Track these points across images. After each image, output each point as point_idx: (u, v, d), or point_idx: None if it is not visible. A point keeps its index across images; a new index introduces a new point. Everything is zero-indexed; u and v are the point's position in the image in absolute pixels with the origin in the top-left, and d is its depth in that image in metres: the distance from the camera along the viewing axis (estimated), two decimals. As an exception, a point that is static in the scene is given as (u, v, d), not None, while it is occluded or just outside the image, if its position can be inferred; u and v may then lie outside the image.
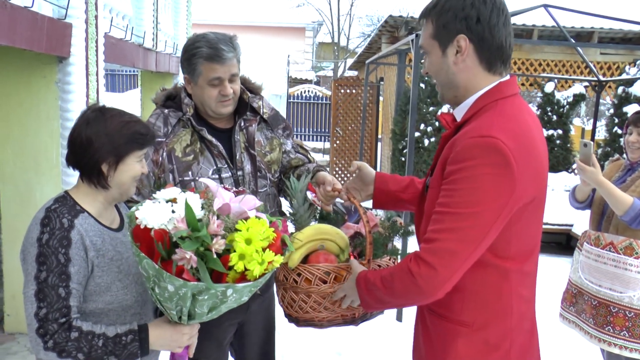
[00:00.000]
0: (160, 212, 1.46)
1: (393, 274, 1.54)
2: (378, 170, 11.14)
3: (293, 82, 20.47)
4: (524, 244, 1.56)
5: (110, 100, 13.01)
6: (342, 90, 10.89)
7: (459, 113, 1.60)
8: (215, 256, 1.44)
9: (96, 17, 4.15)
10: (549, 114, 8.16)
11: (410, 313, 4.65)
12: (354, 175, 2.05)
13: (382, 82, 11.08)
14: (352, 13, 24.31)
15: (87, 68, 4.05)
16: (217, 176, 2.14)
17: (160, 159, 2.12)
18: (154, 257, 1.46)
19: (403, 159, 7.88)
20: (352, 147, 11.04)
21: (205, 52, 2.06)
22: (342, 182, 10.08)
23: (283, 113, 11.94)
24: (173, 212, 1.47)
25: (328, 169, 11.53)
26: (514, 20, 7.22)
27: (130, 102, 11.03)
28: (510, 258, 1.53)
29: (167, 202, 1.52)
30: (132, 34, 5.36)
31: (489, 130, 1.44)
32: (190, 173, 2.13)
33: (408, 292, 1.50)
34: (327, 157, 14.41)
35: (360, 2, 26.82)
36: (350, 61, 16.90)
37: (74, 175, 3.91)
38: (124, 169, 1.68)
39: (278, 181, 2.36)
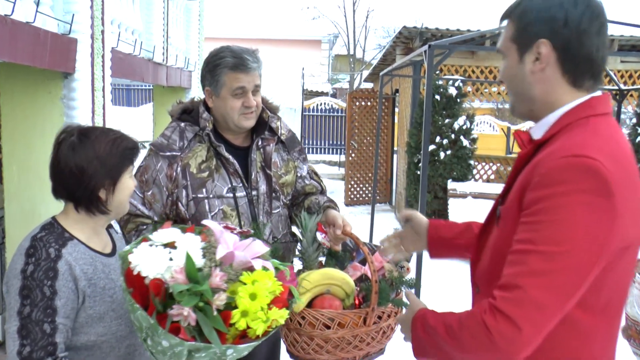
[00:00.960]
0: (156, 259, 1.35)
1: (462, 324, 1.27)
2: (394, 184, 10.99)
3: (309, 94, 20.43)
4: (616, 294, 1.27)
5: (117, 114, 13.08)
6: (357, 103, 10.79)
7: (538, 131, 1.35)
8: (215, 313, 1.32)
9: (102, 32, 4.09)
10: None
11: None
12: (404, 225, 1.88)
13: (397, 94, 10.96)
14: (368, 25, 24.27)
15: (93, 83, 3.99)
16: (231, 195, 2.09)
17: (174, 173, 2.07)
18: (149, 310, 1.34)
19: (419, 172, 7.72)
20: (367, 160, 10.91)
21: (230, 61, 2.06)
22: (358, 195, 9.89)
23: (298, 126, 11.86)
24: (171, 259, 1.36)
25: (342, 181, 11.44)
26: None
27: (144, 116, 11.03)
28: (598, 312, 1.24)
29: (164, 246, 1.41)
30: (141, 48, 5.30)
31: (583, 149, 1.18)
32: (204, 190, 2.07)
33: (479, 349, 1.22)
34: (342, 170, 14.29)
35: (376, 13, 26.78)
36: (366, 73, 16.83)
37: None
38: (120, 189, 1.60)
39: (290, 204, 2.32)
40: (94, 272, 1.56)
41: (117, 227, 1.88)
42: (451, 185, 7.42)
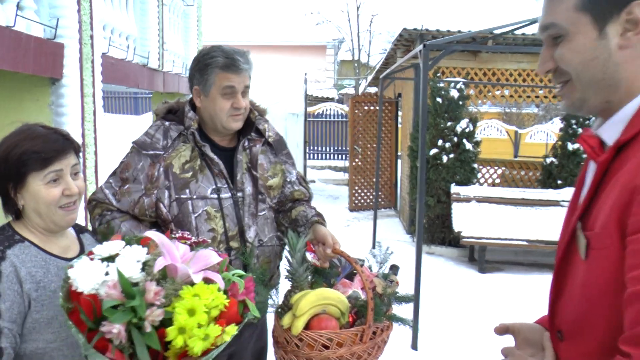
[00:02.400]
0: (92, 274, 1.26)
1: None
2: (399, 188, 10.86)
3: (314, 100, 20.35)
4: None
5: (108, 122, 13.04)
6: (361, 107, 10.69)
7: (612, 130, 1.06)
8: (149, 329, 1.22)
9: (92, 36, 4.02)
10: (574, 126, 7.82)
11: (425, 340, 4.38)
12: (514, 338, 1.40)
13: (400, 98, 10.85)
14: (372, 29, 24.20)
15: (82, 89, 3.91)
16: (216, 196, 2.04)
17: (157, 173, 2.02)
18: (82, 325, 1.25)
19: (421, 176, 7.61)
20: (371, 165, 10.80)
21: (221, 61, 2.04)
22: (362, 201, 9.75)
23: (301, 131, 11.76)
24: (107, 273, 1.27)
25: (347, 187, 11.32)
26: (533, 29, 6.94)
27: (145, 124, 11.00)
28: None
29: (105, 259, 1.32)
30: (134, 53, 5.23)
31: None
32: (187, 191, 2.03)
33: None
34: (347, 176, 14.19)
35: (380, 17, 26.71)
36: (370, 78, 16.76)
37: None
38: (29, 195, 1.49)
39: (277, 209, 2.27)
40: (45, 275, 1.48)
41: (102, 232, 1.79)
42: (454, 189, 7.30)
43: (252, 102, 2.26)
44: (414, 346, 4.27)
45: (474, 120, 7.54)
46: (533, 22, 4.27)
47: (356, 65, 23.96)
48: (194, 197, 2.03)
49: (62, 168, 1.50)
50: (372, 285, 1.99)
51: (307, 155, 14.24)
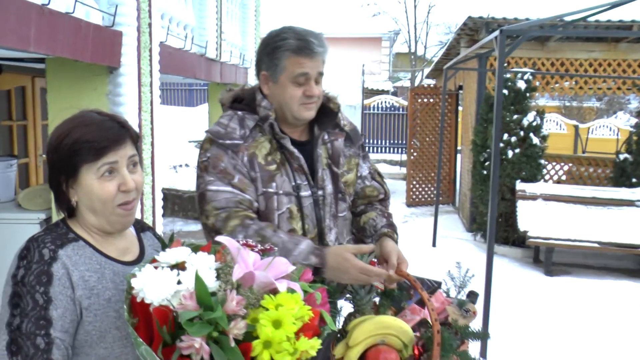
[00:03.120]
0: (162, 283, 1.11)
1: None
2: (458, 184, 10.51)
3: (369, 93, 20.09)
4: None
5: (173, 114, 13.09)
6: (420, 100, 10.38)
7: None
8: (233, 343, 1.07)
9: (150, 25, 3.92)
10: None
11: (494, 348, 4.14)
12: None
13: (461, 91, 10.48)
14: (429, 21, 23.69)
15: (140, 79, 3.82)
16: (295, 194, 1.83)
17: (240, 163, 1.80)
18: (154, 342, 1.10)
19: (485, 172, 7.28)
20: (430, 159, 10.49)
21: (292, 43, 1.80)
22: (420, 196, 9.48)
23: (358, 124, 11.54)
24: (179, 282, 1.12)
25: (403, 181, 11.06)
26: (608, 15, 6.49)
27: (201, 116, 11.02)
28: None
29: (172, 268, 1.17)
30: (192, 43, 5.13)
31: None
32: (274, 185, 1.82)
33: None
34: (403, 170, 13.89)
35: (438, 9, 26.12)
36: (427, 70, 16.37)
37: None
38: (82, 190, 1.32)
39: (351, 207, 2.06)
40: (99, 281, 1.31)
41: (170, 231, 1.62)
42: (520, 186, 6.94)
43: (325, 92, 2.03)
44: (483, 354, 4.01)
45: (541, 113, 7.15)
46: (617, 4, 3.91)
47: (412, 57, 23.50)
48: (280, 192, 1.82)
49: (117, 160, 1.32)
50: (444, 315, 1.75)
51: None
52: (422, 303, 1.78)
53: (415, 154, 10.48)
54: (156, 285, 1.10)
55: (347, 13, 24.75)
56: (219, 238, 1.23)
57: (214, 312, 1.07)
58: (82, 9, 3.11)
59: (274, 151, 1.85)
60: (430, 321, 1.65)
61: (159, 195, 4.17)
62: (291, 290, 1.17)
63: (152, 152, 4.03)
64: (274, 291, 1.16)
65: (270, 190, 1.81)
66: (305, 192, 1.86)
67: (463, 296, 1.83)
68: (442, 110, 7.13)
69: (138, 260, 1.41)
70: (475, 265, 5.00)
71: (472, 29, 8.13)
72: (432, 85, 10.98)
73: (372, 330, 1.61)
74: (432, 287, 1.82)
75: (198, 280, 1.08)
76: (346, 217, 1.99)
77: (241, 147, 1.81)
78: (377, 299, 1.82)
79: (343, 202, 1.96)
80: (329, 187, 1.91)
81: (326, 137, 1.96)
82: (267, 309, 1.11)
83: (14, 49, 2.62)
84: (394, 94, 22.28)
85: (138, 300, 1.11)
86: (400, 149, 16.85)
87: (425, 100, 10.38)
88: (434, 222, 7.45)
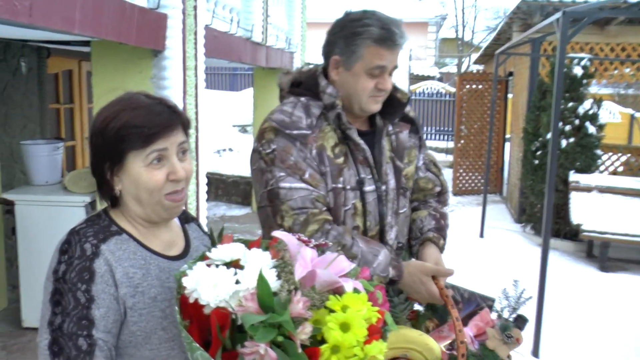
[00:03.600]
0: (219, 283, 1.01)
1: None
2: (506, 173, 10.21)
3: (415, 79, 19.77)
4: None
5: (217, 98, 13.09)
6: (468, 86, 10.09)
7: None
8: (300, 349, 0.98)
9: (195, 7, 3.84)
10: None
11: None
12: None
13: (510, 77, 10.13)
14: (478, 5, 23.08)
15: (185, 62, 3.75)
16: (359, 189, 1.70)
17: (309, 156, 1.65)
18: (212, 347, 1.01)
19: (536, 161, 7.00)
20: (477, 146, 10.21)
21: (375, 32, 1.65)
22: (467, 184, 9.22)
23: (402, 111, 11.32)
24: (237, 282, 1.02)
25: (450, 169, 10.80)
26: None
27: (246, 101, 10.99)
28: None
29: (227, 266, 1.07)
30: (238, 26, 5.05)
31: None
32: (342, 179, 1.68)
33: None
34: (450, 157, 13.61)
35: (487, -7, 25.43)
36: (474, 57, 15.96)
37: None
38: (128, 178, 1.22)
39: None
40: (144, 278, 1.22)
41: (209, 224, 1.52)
42: (573, 177, 6.65)
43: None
44: (535, 353, 3.84)
45: (598, 101, 6.82)
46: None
47: (459, 42, 22.97)
48: (347, 187, 1.69)
49: (167, 147, 1.22)
50: (484, 337, 1.57)
51: (407, 135, 13.78)
52: (470, 317, 1.63)
53: (462, 141, 10.22)
54: (212, 285, 1.00)
55: (393, -3, 24.33)
56: (275, 233, 1.12)
57: (279, 314, 0.97)
58: (126, -10, 3.04)
59: (339, 142, 1.71)
60: (466, 341, 1.47)
61: (203, 180, 4.13)
62: (356, 290, 1.07)
63: (197, 137, 3.97)
64: (337, 291, 1.05)
65: (339, 185, 1.68)
66: (369, 187, 1.73)
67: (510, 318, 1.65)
68: (492, 97, 6.88)
69: (184, 255, 1.32)
70: (524, 259, 4.79)
71: (525, 13, 7.81)
72: (480, 71, 10.65)
73: (392, 342, 1.46)
74: (480, 305, 1.65)
75: (262, 280, 0.98)
76: (407, 213, 1.87)
77: (309, 137, 1.66)
78: (421, 307, 1.70)
79: (404, 198, 1.84)
80: (392, 182, 1.79)
81: (390, 128, 1.83)
82: (333, 311, 1.01)
83: (59, 31, 2.57)
84: (440, 79, 21.88)
85: (191, 300, 1.02)
86: (446, 136, 16.52)
87: (474, 86, 10.08)
88: (482, 213, 7.22)
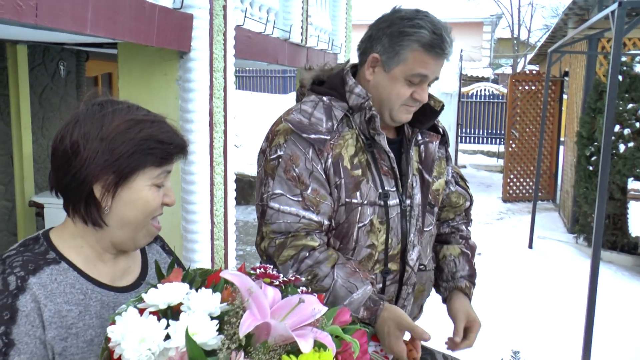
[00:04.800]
0: (145, 335, 0.85)
1: None
2: (559, 179, 9.72)
3: (468, 80, 19.31)
4: None
5: (241, 99, 13.02)
6: (520, 87, 9.67)
7: None
8: None
9: (224, 7, 3.72)
10: None
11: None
12: None
13: (566, 78, 9.65)
14: (534, 2, 22.33)
15: (212, 64, 3.64)
16: (382, 202, 1.53)
17: (325, 166, 1.51)
18: None
19: (590, 167, 6.58)
20: (529, 151, 9.76)
21: (426, 36, 1.50)
22: (517, 191, 8.81)
23: (454, 113, 10.97)
24: (168, 337, 0.86)
25: (501, 174, 10.37)
26: None
27: (290, 104, 10.88)
28: None
29: (165, 312, 0.91)
30: (274, 27, 4.91)
31: None
32: (358, 194, 1.52)
33: None
34: (501, 162, 13.14)
35: (545, -10, 24.59)
36: (530, 56, 15.38)
37: (195, 183, 3.50)
38: (128, 197, 1.06)
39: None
40: (80, 317, 1.06)
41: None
42: (633, 184, 6.20)
43: None
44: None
45: (662, 103, 6.35)
46: None
47: (514, 42, 22.26)
48: (364, 202, 1.53)
49: (171, 170, 1.13)
50: None
51: (459, 138, 13.39)
52: None
53: (513, 145, 9.80)
54: (138, 340, 0.83)
55: (446, -3, 23.83)
56: (223, 274, 0.94)
57: None
58: (150, -10, 2.94)
59: (359, 151, 1.55)
60: None
61: (232, 186, 4.00)
62: (320, 347, 0.87)
63: (225, 141, 3.84)
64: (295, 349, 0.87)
65: (355, 200, 1.52)
66: (393, 201, 1.57)
67: None
68: (544, 98, 6.51)
69: (137, 284, 1.16)
70: (574, 273, 4.45)
71: (582, 8, 7.39)
72: (534, 72, 10.20)
73: None
74: None
75: (189, 342, 0.80)
76: (432, 232, 1.71)
77: (327, 145, 1.51)
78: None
79: (430, 215, 1.68)
80: (418, 197, 1.62)
81: (419, 137, 1.67)
82: None
83: (69, 32, 2.48)
84: (495, 81, 21.29)
85: (115, 356, 0.85)
86: (498, 140, 16.01)
87: (527, 87, 9.65)
88: (531, 222, 6.83)
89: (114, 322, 0.89)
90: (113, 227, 1.09)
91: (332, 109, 1.54)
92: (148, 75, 3.55)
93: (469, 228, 1.86)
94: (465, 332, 1.56)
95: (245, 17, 4.26)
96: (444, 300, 1.73)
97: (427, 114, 1.64)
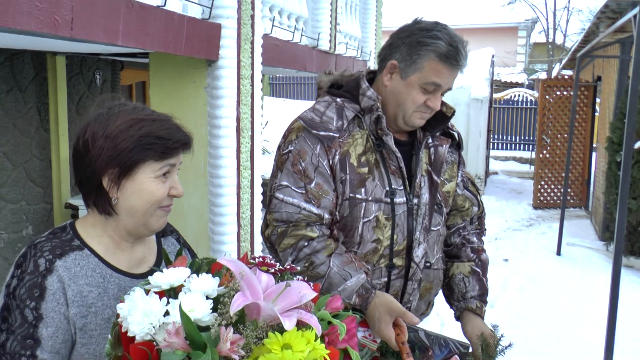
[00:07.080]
0: (148, 313, 0.95)
1: None
2: (592, 186, 9.59)
3: (502, 85, 19.13)
4: None
5: (274, 105, 13.09)
6: (552, 93, 9.57)
7: None
8: None
9: (252, 16, 3.84)
10: None
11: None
12: None
13: (600, 83, 9.52)
14: (570, 6, 22.00)
15: (239, 71, 3.76)
16: (388, 200, 1.64)
17: (332, 162, 1.63)
18: None
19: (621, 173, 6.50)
20: (561, 157, 9.66)
21: (442, 47, 1.61)
22: (548, 197, 8.73)
23: (484, 119, 10.93)
24: (167, 313, 0.96)
25: (532, 181, 10.28)
26: None
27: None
28: None
29: (168, 292, 1.01)
30: (302, 35, 5.02)
31: None
32: (363, 190, 1.64)
33: None
34: (532, 169, 13.00)
35: (581, -7, 24.20)
36: (564, 62, 15.17)
37: (223, 186, 3.62)
38: (132, 188, 1.19)
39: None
40: (99, 297, 1.18)
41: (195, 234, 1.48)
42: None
43: None
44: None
45: (695, 109, 6.24)
46: None
47: (549, 47, 21.97)
48: (370, 198, 1.64)
49: (175, 163, 1.24)
50: None
51: (491, 145, 13.29)
52: None
53: (544, 151, 9.70)
54: (141, 315, 0.93)
55: (480, 1, 23.67)
56: (220, 260, 1.04)
57: (204, 353, 0.89)
58: (177, 2, 3.08)
59: (368, 150, 1.66)
60: None
61: (258, 190, 4.11)
62: (303, 326, 0.96)
63: (252, 146, 3.96)
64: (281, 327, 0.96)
65: (359, 196, 1.63)
66: (399, 199, 1.67)
67: None
68: (573, 103, 6.47)
69: (150, 273, 1.27)
70: (601, 280, 4.43)
71: (614, 11, 7.29)
72: (566, 77, 10.09)
73: None
74: (451, 352, 1.52)
75: (183, 314, 0.90)
76: (440, 232, 1.78)
77: (335, 141, 1.62)
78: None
79: (438, 215, 1.76)
80: (425, 196, 1.71)
81: (430, 140, 1.76)
82: (270, 350, 0.92)
83: (102, 43, 2.62)
84: (530, 86, 21.03)
85: (123, 330, 0.95)
86: (531, 146, 15.83)
87: (559, 92, 9.56)
88: (560, 228, 6.78)
89: (120, 304, 1.00)
90: (123, 215, 1.21)
91: (343, 110, 1.66)
92: (178, 83, 3.69)
93: (482, 239, 1.91)
94: (486, 348, 1.62)
95: (273, 25, 4.37)
96: (457, 318, 1.82)
97: (439, 119, 1.74)
